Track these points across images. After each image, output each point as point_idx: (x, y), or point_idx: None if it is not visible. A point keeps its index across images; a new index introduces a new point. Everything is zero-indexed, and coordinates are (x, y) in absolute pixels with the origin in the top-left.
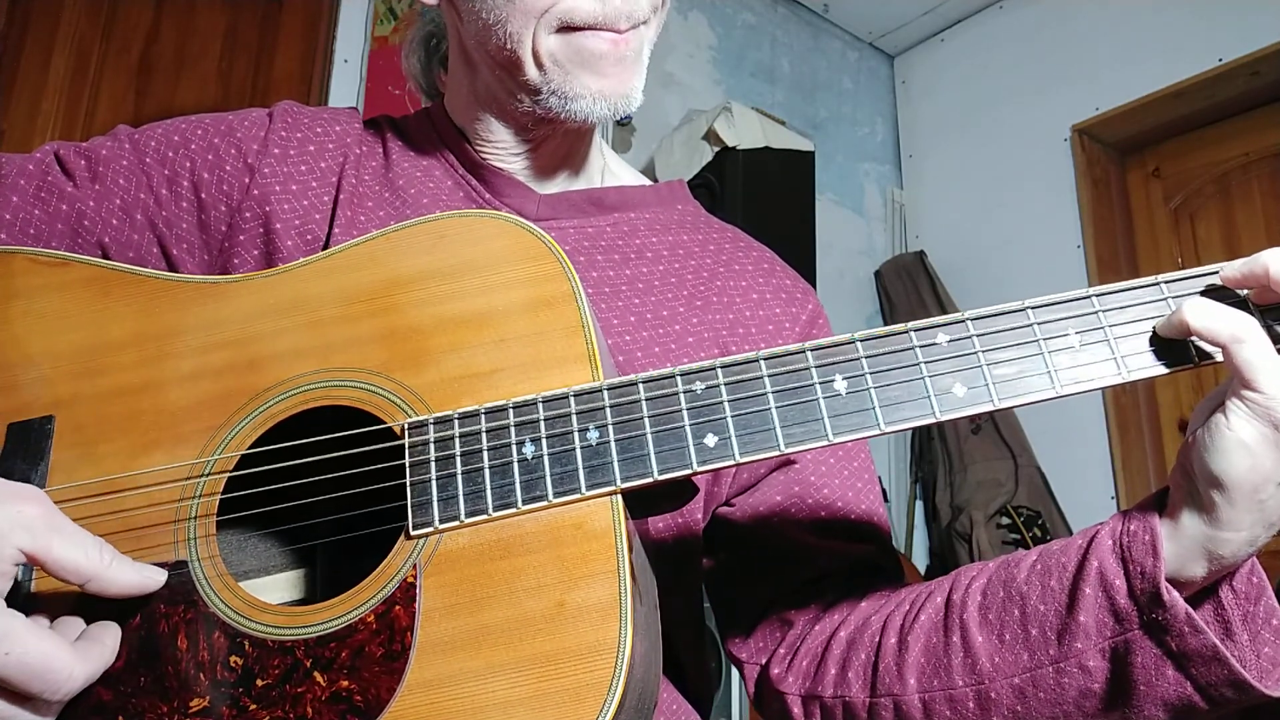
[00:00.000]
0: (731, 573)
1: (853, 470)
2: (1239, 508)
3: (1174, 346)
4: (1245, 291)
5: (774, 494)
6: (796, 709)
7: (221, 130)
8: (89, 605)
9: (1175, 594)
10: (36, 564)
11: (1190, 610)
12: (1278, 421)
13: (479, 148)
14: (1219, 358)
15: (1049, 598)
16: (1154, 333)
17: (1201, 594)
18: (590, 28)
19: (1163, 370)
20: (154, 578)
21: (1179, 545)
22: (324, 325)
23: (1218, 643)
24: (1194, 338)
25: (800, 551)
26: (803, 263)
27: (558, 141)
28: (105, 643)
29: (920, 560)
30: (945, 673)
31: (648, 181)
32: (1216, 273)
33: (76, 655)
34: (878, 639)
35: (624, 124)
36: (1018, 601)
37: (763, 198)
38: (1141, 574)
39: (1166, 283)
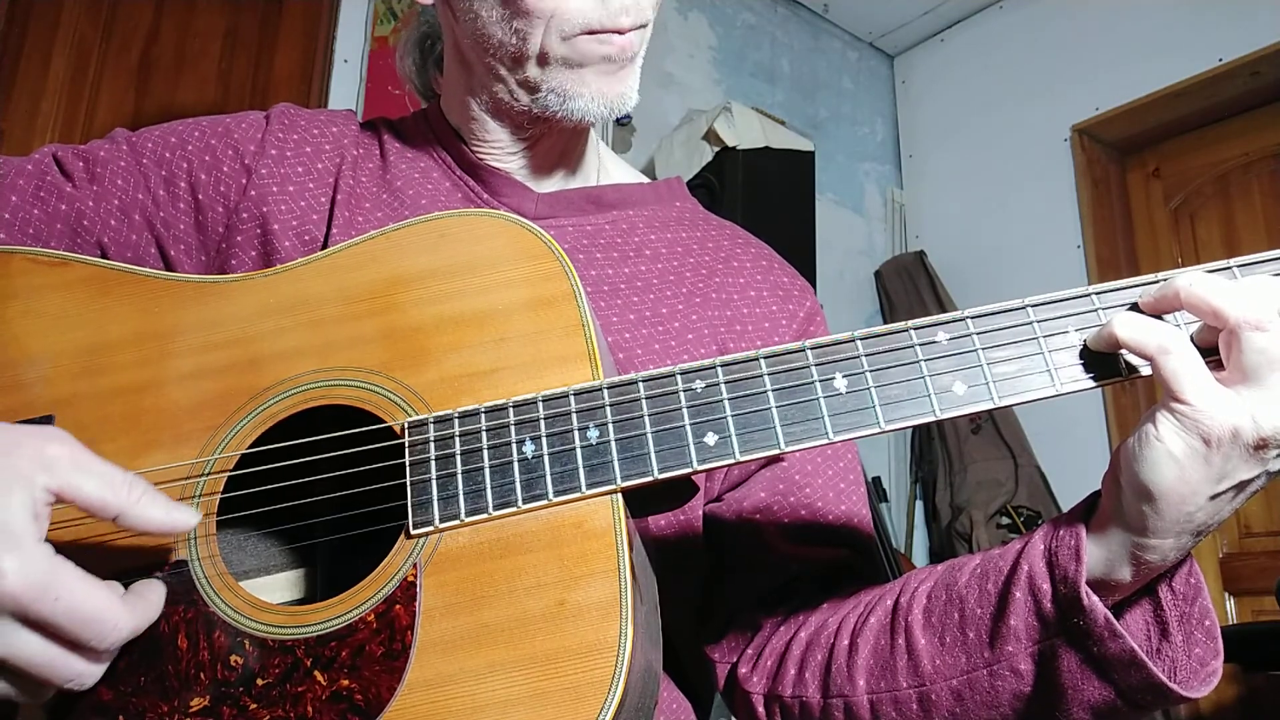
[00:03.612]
0: (714, 570)
1: (837, 471)
2: (1166, 518)
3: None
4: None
5: (759, 490)
6: (760, 708)
7: (219, 132)
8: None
9: (1094, 599)
10: (65, 501)
11: (1109, 615)
12: (1205, 434)
13: (475, 148)
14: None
15: (985, 601)
16: (1084, 346)
17: (1142, 593)
18: (596, 31)
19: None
20: (183, 518)
21: (1106, 550)
22: (324, 324)
23: (1135, 647)
24: (1123, 350)
25: (776, 558)
26: (803, 263)
27: (554, 139)
28: (150, 598)
29: (920, 560)
30: (891, 674)
31: (645, 179)
32: (1228, 268)
33: (124, 606)
34: (832, 641)
35: (624, 124)
36: (957, 605)
37: (763, 198)
38: (1064, 579)
39: (1166, 280)
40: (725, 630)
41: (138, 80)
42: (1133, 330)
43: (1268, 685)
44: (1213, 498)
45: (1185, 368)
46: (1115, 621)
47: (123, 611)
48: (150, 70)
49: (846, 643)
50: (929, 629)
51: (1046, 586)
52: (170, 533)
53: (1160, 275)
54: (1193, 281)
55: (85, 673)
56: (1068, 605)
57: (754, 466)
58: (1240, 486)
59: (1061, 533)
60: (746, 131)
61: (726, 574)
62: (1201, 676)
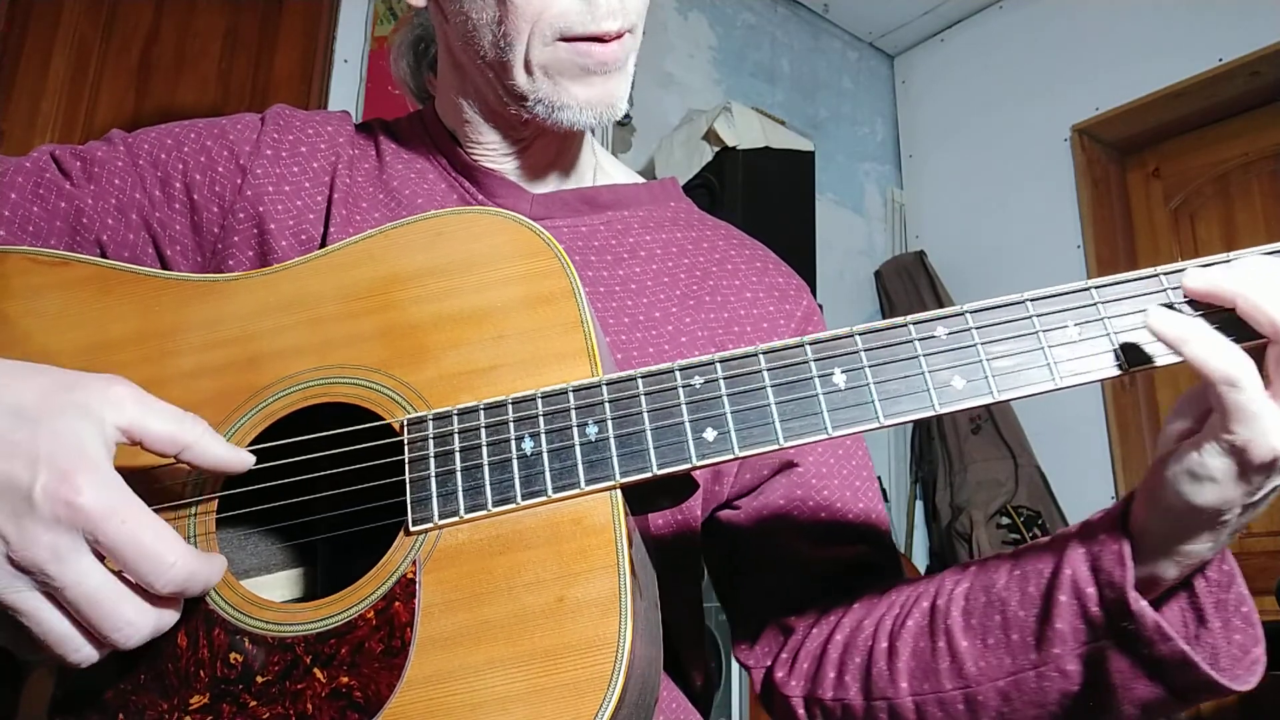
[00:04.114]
0: (736, 576)
1: (851, 469)
2: (1203, 528)
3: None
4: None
5: (777, 497)
6: (800, 710)
7: (214, 133)
8: None
9: (1143, 604)
10: (133, 438)
11: (1159, 620)
12: (1250, 461)
13: (470, 149)
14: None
15: (1028, 604)
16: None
17: (1177, 583)
18: (580, 39)
19: (1161, 363)
20: (243, 457)
21: (1147, 555)
22: (323, 322)
23: (1187, 649)
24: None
25: (800, 559)
26: (803, 263)
27: (547, 142)
28: (211, 558)
29: (920, 560)
30: (934, 677)
31: (640, 179)
32: (1227, 262)
33: (184, 547)
34: (870, 643)
35: (624, 124)
36: (998, 607)
37: (763, 198)
38: (1110, 584)
39: (1166, 274)
40: (757, 634)
41: (138, 80)
42: (1211, 353)
43: (1268, 685)
44: (1246, 507)
45: (1251, 404)
46: (1165, 625)
47: (183, 551)
48: (150, 70)
49: (885, 645)
50: (970, 631)
51: (1092, 591)
52: (232, 469)
53: (1161, 269)
54: (1253, 290)
55: (135, 623)
56: (1116, 610)
57: (766, 472)
58: (1274, 490)
59: (1102, 538)
60: (746, 131)
61: (752, 578)
62: (1245, 664)
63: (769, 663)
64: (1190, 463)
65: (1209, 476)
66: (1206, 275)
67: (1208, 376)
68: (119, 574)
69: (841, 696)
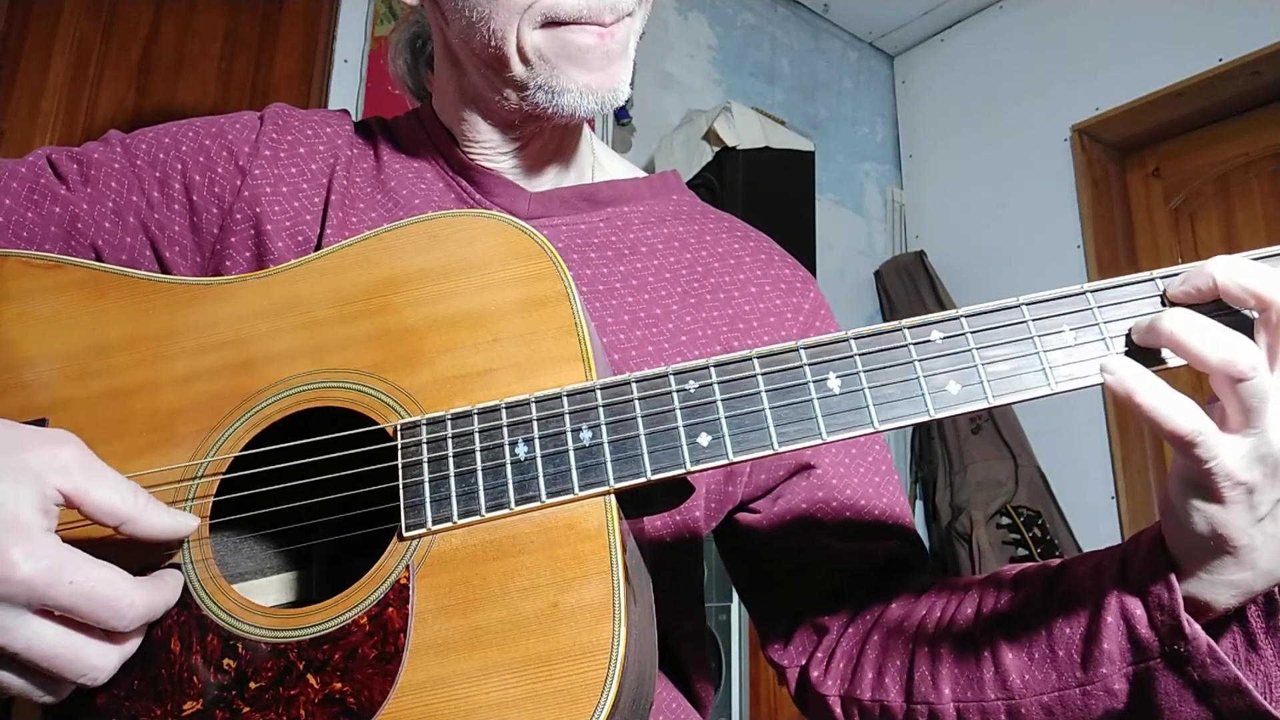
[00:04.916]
0: (762, 579)
1: (869, 466)
2: (1220, 555)
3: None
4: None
5: (798, 501)
6: (838, 710)
7: (212, 133)
8: None
9: (1196, 627)
10: (73, 505)
11: (1212, 643)
12: (1216, 489)
13: (467, 148)
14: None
15: (1074, 621)
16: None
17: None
18: (575, 22)
19: (1157, 367)
20: (186, 523)
21: (1184, 580)
22: (318, 326)
23: (1239, 675)
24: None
25: (828, 558)
26: (803, 263)
27: (545, 138)
28: (167, 580)
29: None
30: (978, 685)
31: (641, 174)
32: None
33: (136, 584)
34: (911, 646)
35: (624, 124)
36: (1043, 622)
37: (763, 198)
38: (1160, 606)
39: (1162, 278)
40: (790, 634)
41: (138, 80)
42: (1164, 411)
43: None
44: (1259, 520)
45: (1207, 452)
46: (1218, 649)
47: (137, 589)
48: (150, 70)
49: (927, 649)
50: (1016, 643)
51: (1140, 613)
52: (174, 538)
53: (1157, 272)
54: (1181, 333)
55: (100, 666)
56: (1167, 632)
57: (782, 473)
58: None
59: (1145, 560)
60: (746, 131)
61: (781, 580)
62: None
63: (804, 662)
64: (1170, 497)
65: (1190, 507)
66: (1178, 280)
67: (1161, 434)
68: (72, 622)
69: (880, 698)
